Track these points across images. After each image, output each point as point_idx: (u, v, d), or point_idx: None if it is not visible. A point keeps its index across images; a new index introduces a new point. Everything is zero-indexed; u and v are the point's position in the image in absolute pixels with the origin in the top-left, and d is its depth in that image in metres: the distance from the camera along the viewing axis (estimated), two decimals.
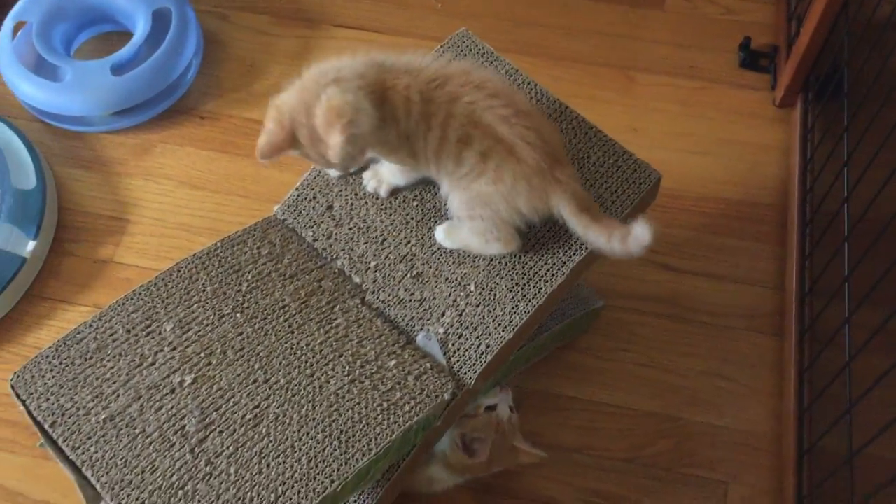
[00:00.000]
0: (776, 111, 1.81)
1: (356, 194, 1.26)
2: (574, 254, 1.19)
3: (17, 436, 1.47)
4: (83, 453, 1.05)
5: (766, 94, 1.84)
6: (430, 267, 1.21)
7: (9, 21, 1.79)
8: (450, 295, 1.19)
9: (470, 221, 1.14)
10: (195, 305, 1.17)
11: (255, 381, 1.11)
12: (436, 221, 1.23)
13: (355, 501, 1.25)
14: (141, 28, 1.79)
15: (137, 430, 1.07)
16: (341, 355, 1.15)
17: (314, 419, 1.09)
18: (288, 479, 1.04)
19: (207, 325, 1.15)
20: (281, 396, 1.10)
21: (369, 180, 1.25)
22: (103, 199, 1.71)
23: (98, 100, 1.72)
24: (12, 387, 1.09)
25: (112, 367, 1.11)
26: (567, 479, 1.43)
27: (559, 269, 1.18)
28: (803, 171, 1.66)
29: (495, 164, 1.07)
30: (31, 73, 1.73)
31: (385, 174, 1.23)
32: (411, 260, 1.22)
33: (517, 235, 1.16)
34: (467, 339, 1.17)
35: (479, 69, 1.11)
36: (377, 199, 1.25)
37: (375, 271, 1.22)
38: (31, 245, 1.58)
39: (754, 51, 1.87)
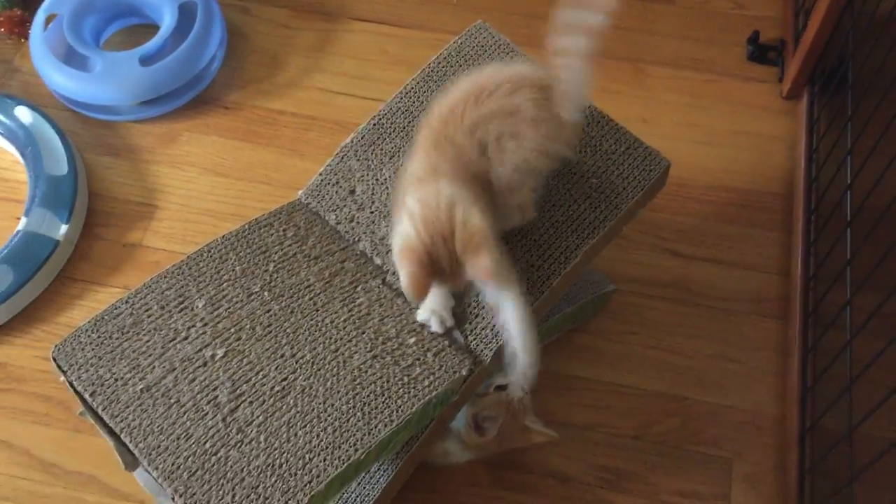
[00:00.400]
0: (783, 103, 1.86)
1: (377, 180, 1.32)
2: (587, 236, 1.24)
3: (50, 410, 1.54)
4: (121, 421, 1.11)
5: (774, 86, 1.89)
6: None
7: (41, 14, 1.86)
8: None
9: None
10: (225, 284, 1.23)
11: (282, 356, 1.17)
12: None
13: (377, 470, 1.31)
14: (168, 21, 1.85)
15: (172, 400, 1.13)
16: (364, 332, 1.20)
17: (338, 392, 1.15)
18: (314, 447, 1.10)
19: (237, 302, 1.21)
20: (307, 370, 1.16)
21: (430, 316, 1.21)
22: (132, 186, 1.78)
23: (127, 89, 1.79)
24: (54, 358, 1.15)
25: (147, 341, 1.17)
26: (578, 454, 1.49)
27: (573, 252, 1.24)
28: (809, 160, 1.71)
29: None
30: (62, 64, 1.80)
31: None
32: None
33: None
34: (484, 317, 1.22)
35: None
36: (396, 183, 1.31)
37: None
38: (64, 229, 1.65)
39: (762, 44, 1.92)
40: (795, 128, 1.81)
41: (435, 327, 1.20)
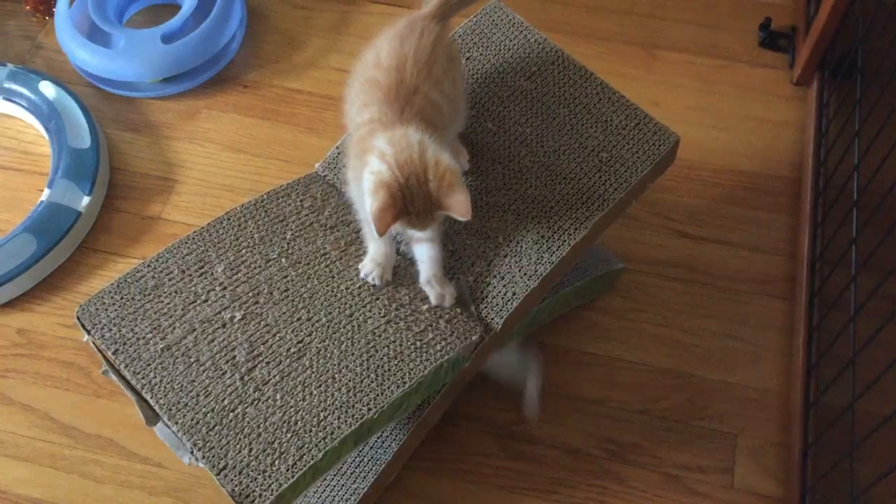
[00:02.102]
0: (793, 89, 1.89)
1: None
2: (597, 209, 1.27)
3: (70, 375, 1.58)
4: (143, 378, 1.15)
5: (784, 72, 1.91)
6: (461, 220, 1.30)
7: None
8: (479, 246, 1.28)
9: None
10: (244, 250, 1.27)
11: (298, 319, 1.21)
12: (469, 182, 1.31)
13: (388, 435, 1.34)
14: (189, 0, 1.89)
15: (192, 359, 1.16)
16: (378, 298, 1.24)
17: (353, 354, 1.18)
18: (329, 405, 1.14)
19: (255, 267, 1.25)
20: (322, 333, 1.20)
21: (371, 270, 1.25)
22: (152, 161, 1.82)
23: (148, 66, 1.82)
24: (78, 318, 1.19)
25: (168, 303, 1.21)
26: (585, 427, 1.52)
27: (582, 224, 1.27)
28: (817, 144, 1.74)
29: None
30: (86, 40, 1.83)
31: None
32: None
33: None
34: (495, 286, 1.26)
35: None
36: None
37: None
38: (86, 200, 1.69)
39: (774, 31, 1.94)
40: (805, 113, 1.84)
41: (376, 281, 1.24)
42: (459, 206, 1.05)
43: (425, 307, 1.23)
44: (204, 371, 1.15)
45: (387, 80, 1.13)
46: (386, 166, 1.05)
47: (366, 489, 1.35)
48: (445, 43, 1.21)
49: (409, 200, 1.06)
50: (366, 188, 1.07)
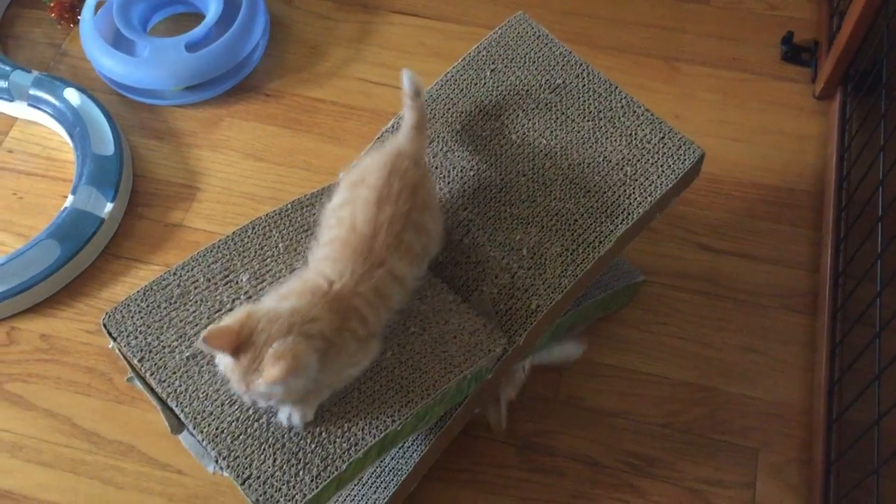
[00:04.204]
0: (815, 103, 1.88)
1: None
2: (621, 222, 1.27)
3: (92, 380, 1.58)
4: (168, 386, 1.15)
5: (807, 86, 1.91)
6: (485, 233, 1.30)
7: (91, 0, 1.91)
8: (503, 258, 1.28)
9: None
10: (269, 259, 1.27)
11: None
12: (493, 194, 1.31)
13: (410, 445, 1.34)
14: (213, 10, 1.90)
15: (217, 368, 1.16)
16: (400, 311, 1.24)
17: (377, 365, 1.18)
18: (353, 417, 1.14)
19: (280, 277, 1.25)
20: None
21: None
22: (174, 168, 1.83)
23: (172, 75, 1.84)
24: (104, 325, 1.20)
25: (194, 311, 1.21)
26: (605, 440, 1.52)
27: (607, 237, 1.27)
28: (840, 158, 1.73)
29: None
30: (110, 48, 1.85)
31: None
32: (467, 226, 1.31)
33: None
34: (518, 299, 1.26)
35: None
36: (436, 169, 1.35)
37: None
38: (109, 207, 1.70)
39: (796, 45, 1.94)
40: (827, 127, 1.83)
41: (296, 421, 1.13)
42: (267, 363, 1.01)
43: (449, 319, 1.23)
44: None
45: (359, 245, 1.12)
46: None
47: (386, 500, 1.35)
48: (424, 190, 1.20)
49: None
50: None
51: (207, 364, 1.17)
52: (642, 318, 1.64)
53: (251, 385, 1.02)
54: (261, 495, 1.08)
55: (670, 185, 1.30)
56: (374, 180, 1.16)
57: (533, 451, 1.51)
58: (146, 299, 1.22)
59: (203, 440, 1.11)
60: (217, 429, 1.12)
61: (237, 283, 1.24)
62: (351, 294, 1.09)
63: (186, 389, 1.15)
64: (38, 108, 1.84)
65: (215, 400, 1.14)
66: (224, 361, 1.04)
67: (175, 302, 1.22)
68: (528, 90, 1.38)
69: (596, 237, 1.27)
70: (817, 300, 1.63)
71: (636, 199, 1.29)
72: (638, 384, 1.57)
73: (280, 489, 1.08)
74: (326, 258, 1.13)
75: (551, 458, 1.50)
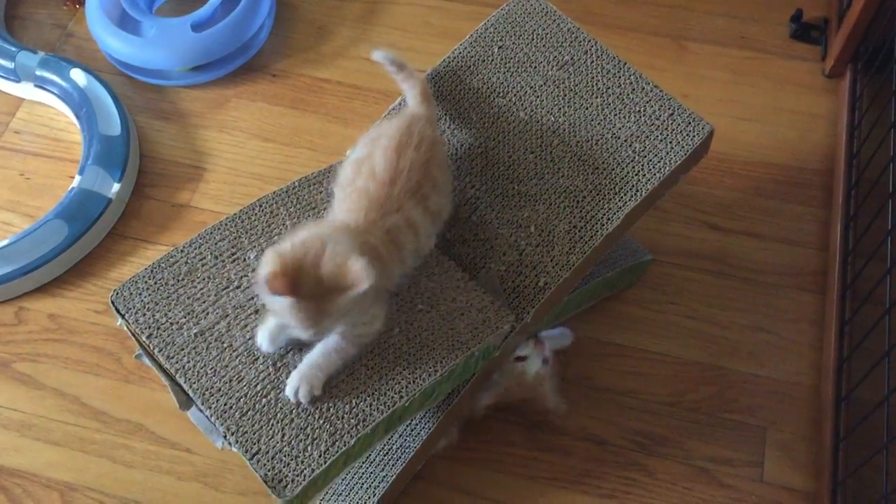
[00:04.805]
0: (825, 81, 1.87)
1: None
2: (630, 199, 1.27)
3: (101, 360, 1.59)
4: (177, 363, 1.15)
5: (816, 64, 1.89)
6: (493, 210, 1.30)
7: None
8: (511, 235, 1.28)
9: None
10: (276, 237, 1.27)
11: None
12: (501, 171, 1.31)
13: (418, 423, 1.34)
14: None
15: (225, 344, 1.17)
16: (409, 288, 1.24)
17: (384, 342, 1.18)
18: (360, 393, 1.14)
19: None
20: None
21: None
22: (181, 149, 1.82)
23: (178, 55, 1.83)
24: (112, 302, 1.20)
25: (202, 288, 1.21)
26: (613, 419, 1.52)
27: (615, 214, 1.26)
28: (850, 136, 1.72)
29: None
30: (117, 29, 1.84)
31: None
32: (475, 203, 1.31)
33: None
34: (526, 276, 1.25)
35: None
36: (444, 147, 1.34)
37: None
38: (116, 187, 1.70)
39: (805, 23, 1.93)
40: (837, 105, 1.82)
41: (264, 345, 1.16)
42: (352, 273, 1.00)
43: (457, 296, 1.23)
44: (237, 356, 1.16)
45: (377, 192, 1.13)
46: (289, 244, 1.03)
47: (394, 477, 1.36)
48: (440, 150, 1.22)
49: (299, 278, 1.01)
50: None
51: (216, 340, 1.17)
52: (650, 297, 1.63)
53: (328, 307, 1.00)
54: (269, 470, 1.08)
55: (679, 162, 1.29)
56: (394, 131, 1.18)
57: (540, 430, 1.51)
58: (154, 276, 1.22)
59: (211, 416, 1.12)
60: (225, 405, 1.12)
61: (244, 260, 1.24)
62: (368, 232, 1.10)
63: (195, 365, 1.15)
64: (45, 89, 1.84)
65: (223, 376, 1.14)
66: (280, 305, 1.01)
67: (183, 279, 1.22)
68: (535, 67, 1.38)
69: (604, 214, 1.27)
70: (826, 279, 1.62)
71: (644, 175, 1.28)
72: (646, 363, 1.57)
73: (288, 464, 1.08)
74: (344, 203, 1.15)
75: (559, 436, 1.50)
